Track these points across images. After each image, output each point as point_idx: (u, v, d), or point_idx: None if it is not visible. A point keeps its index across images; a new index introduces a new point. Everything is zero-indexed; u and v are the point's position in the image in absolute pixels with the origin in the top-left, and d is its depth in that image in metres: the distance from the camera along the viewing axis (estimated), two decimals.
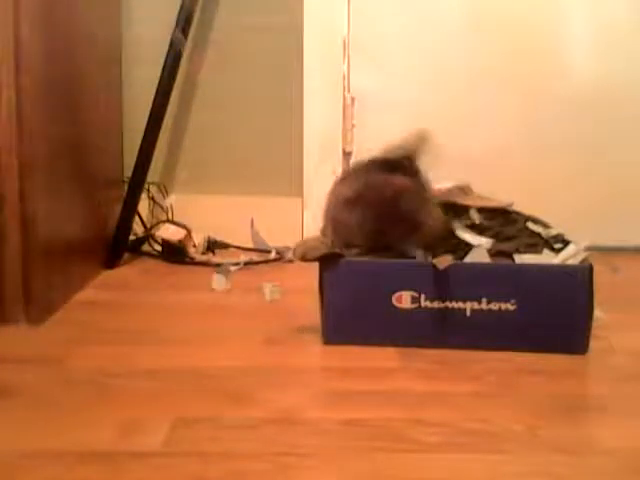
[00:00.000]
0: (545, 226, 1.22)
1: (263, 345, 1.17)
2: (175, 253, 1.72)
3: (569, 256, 1.14)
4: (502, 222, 1.22)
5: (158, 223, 1.81)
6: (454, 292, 1.12)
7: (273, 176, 1.87)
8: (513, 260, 1.14)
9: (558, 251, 1.16)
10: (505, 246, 1.15)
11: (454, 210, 1.24)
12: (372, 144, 1.20)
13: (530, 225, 1.21)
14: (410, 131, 1.20)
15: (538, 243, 1.17)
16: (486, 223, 1.21)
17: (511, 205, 1.27)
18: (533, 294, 1.12)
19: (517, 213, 1.25)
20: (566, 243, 1.17)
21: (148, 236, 1.77)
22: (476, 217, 1.22)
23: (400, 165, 1.16)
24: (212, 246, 1.79)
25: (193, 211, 1.82)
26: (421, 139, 1.19)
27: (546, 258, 1.15)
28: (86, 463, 0.79)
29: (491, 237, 1.17)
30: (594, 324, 1.12)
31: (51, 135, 1.31)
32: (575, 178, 1.85)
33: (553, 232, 1.20)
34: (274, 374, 1.05)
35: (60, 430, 0.87)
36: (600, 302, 1.12)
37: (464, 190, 1.28)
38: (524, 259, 1.14)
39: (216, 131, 1.86)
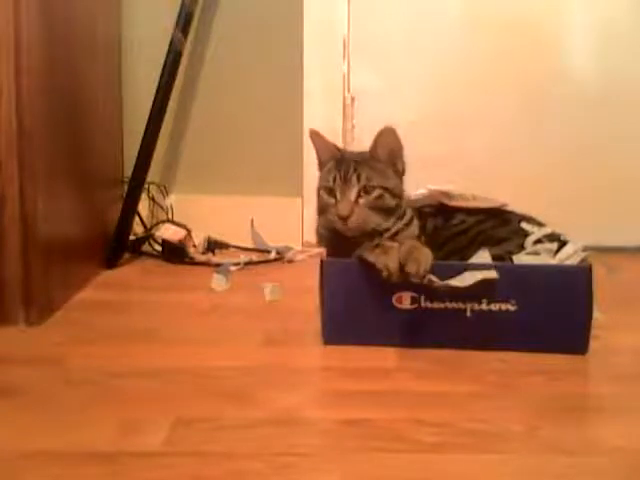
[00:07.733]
0: (539, 225, 1.22)
1: (263, 345, 1.17)
2: (175, 253, 1.72)
3: (568, 256, 1.14)
4: (495, 224, 1.21)
5: (158, 223, 1.81)
6: (454, 292, 1.12)
7: (273, 176, 1.87)
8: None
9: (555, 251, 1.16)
10: (496, 250, 1.15)
11: (443, 213, 1.24)
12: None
13: (524, 225, 1.21)
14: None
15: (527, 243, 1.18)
16: (477, 228, 1.20)
17: (505, 206, 1.26)
18: (533, 294, 1.11)
19: (511, 213, 1.25)
20: (562, 242, 1.17)
21: (148, 236, 1.77)
22: (459, 219, 1.22)
23: None
24: (212, 246, 1.79)
25: (193, 211, 1.82)
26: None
27: (545, 258, 1.15)
28: (86, 463, 0.79)
29: (483, 241, 1.17)
30: (592, 324, 1.12)
31: (51, 135, 1.32)
32: (575, 178, 1.84)
33: (548, 231, 1.19)
34: (274, 374, 1.05)
35: (60, 430, 0.87)
36: (599, 302, 1.11)
37: (446, 194, 1.27)
38: (523, 260, 1.14)
39: (216, 131, 1.86)
